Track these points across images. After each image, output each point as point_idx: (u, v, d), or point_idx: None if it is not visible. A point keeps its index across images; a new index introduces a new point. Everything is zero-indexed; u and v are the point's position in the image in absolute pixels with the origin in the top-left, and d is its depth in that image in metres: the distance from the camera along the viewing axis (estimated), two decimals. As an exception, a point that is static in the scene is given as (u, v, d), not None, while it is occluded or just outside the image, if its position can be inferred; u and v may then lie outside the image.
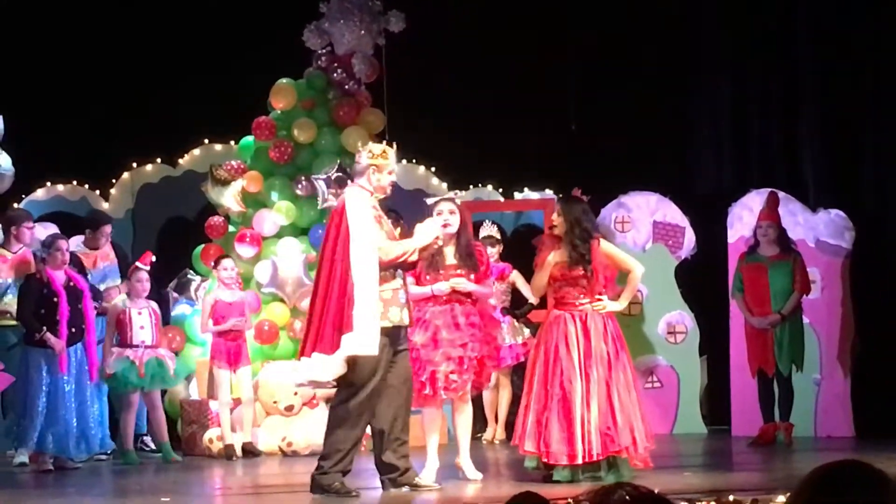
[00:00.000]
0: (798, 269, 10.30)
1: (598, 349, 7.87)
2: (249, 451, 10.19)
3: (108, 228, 10.81)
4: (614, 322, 8.10)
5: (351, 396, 7.50)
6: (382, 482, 7.75)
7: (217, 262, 10.53)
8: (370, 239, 7.47)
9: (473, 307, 8.12)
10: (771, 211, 10.44)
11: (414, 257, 7.76)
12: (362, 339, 7.30)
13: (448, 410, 8.77)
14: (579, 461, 7.75)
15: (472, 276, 8.12)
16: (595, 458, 7.76)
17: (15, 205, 11.20)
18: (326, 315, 7.37)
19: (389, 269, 7.58)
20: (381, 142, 11.46)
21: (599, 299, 8.01)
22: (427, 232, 7.80)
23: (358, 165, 7.78)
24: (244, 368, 10.28)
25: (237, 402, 10.32)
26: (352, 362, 7.38)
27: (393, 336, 7.56)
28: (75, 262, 10.29)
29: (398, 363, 7.65)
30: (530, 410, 7.95)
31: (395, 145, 7.92)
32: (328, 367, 7.39)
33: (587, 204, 8.25)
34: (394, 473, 7.71)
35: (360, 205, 7.56)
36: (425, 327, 7.98)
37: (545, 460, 7.87)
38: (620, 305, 8.18)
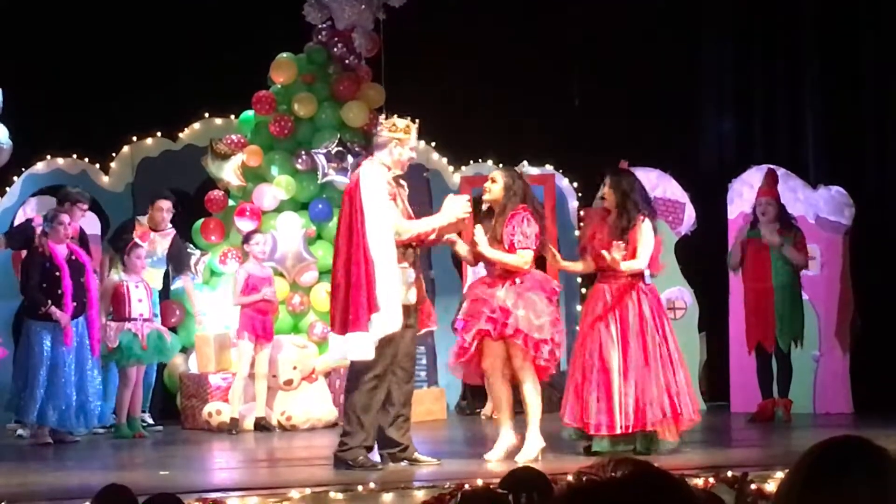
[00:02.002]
0: (798, 244, 10.29)
1: (635, 321, 7.90)
2: (263, 427, 10.17)
3: (162, 203, 10.67)
4: (654, 294, 8.14)
5: (368, 374, 7.52)
6: (382, 456, 7.77)
7: (249, 237, 10.47)
8: (385, 217, 7.44)
9: (515, 286, 7.71)
10: (769, 187, 10.42)
11: (433, 237, 7.71)
12: (388, 319, 7.36)
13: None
14: (618, 431, 7.80)
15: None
16: (630, 430, 7.82)
17: (15, 178, 11.19)
18: (354, 294, 7.34)
19: (401, 247, 7.56)
20: (382, 116, 11.50)
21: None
22: (452, 210, 7.68)
23: (379, 138, 7.72)
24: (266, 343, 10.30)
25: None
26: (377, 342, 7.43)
27: (402, 315, 7.54)
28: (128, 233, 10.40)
29: (405, 339, 7.67)
30: (573, 381, 8.00)
31: (417, 122, 7.80)
32: (365, 346, 7.39)
33: (634, 176, 8.25)
34: (394, 448, 7.75)
35: (375, 182, 7.51)
36: (468, 299, 7.88)
37: (589, 431, 7.87)
38: (619, 260, 7.83)
